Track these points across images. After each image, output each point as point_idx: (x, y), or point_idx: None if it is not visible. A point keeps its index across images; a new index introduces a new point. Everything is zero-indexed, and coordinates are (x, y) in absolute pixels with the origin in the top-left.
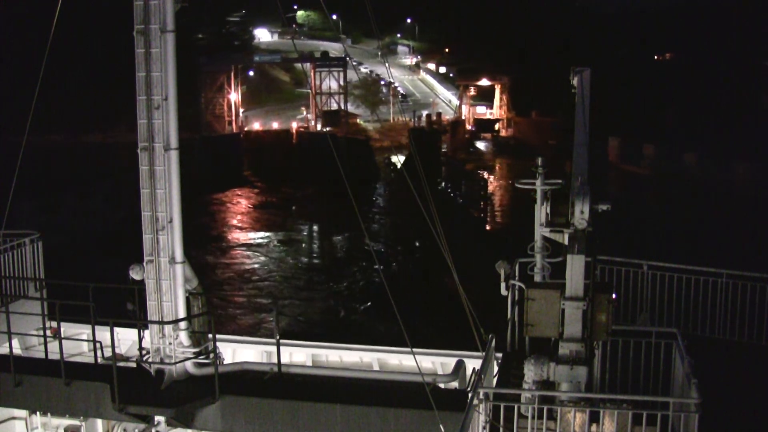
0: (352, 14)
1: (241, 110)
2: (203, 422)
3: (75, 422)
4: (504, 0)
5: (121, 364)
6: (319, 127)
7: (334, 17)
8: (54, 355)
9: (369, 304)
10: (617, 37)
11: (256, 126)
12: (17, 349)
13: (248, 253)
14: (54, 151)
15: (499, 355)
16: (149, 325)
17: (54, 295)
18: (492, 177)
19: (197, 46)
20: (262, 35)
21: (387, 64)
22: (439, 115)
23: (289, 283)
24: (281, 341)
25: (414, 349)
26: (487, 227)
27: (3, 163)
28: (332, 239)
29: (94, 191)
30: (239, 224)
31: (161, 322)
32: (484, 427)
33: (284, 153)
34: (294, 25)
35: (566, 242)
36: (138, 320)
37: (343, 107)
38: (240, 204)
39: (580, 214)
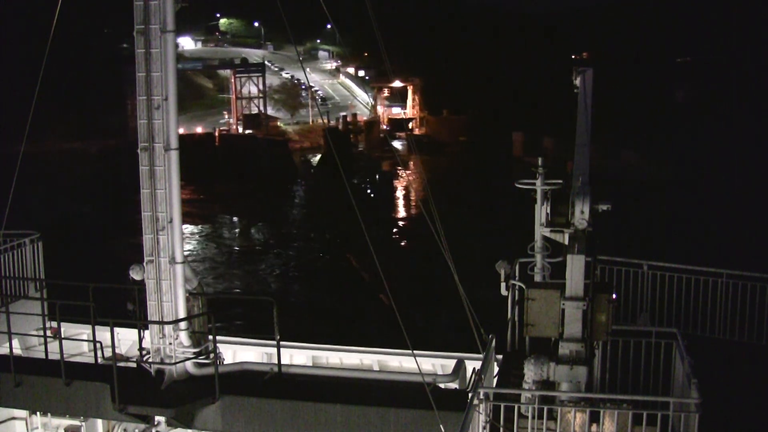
0: (275, 21)
1: None
2: (203, 422)
3: (75, 422)
4: (417, 3)
5: (121, 364)
6: (240, 129)
7: (256, 24)
8: (54, 355)
9: (278, 273)
10: (532, 37)
11: (180, 131)
12: (17, 350)
13: None
14: None
15: (500, 356)
16: (149, 326)
17: (54, 295)
18: (407, 172)
19: (123, 55)
20: (186, 43)
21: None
22: (354, 116)
23: (213, 263)
24: (282, 343)
25: (414, 351)
26: (395, 216)
27: None
28: (252, 229)
29: (28, 195)
30: None
31: (161, 323)
32: (484, 427)
33: (207, 154)
34: (217, 33)
35: (566, 242)
36: (138, 320)
37: (263, 111)
38: None
39: (581, 214)
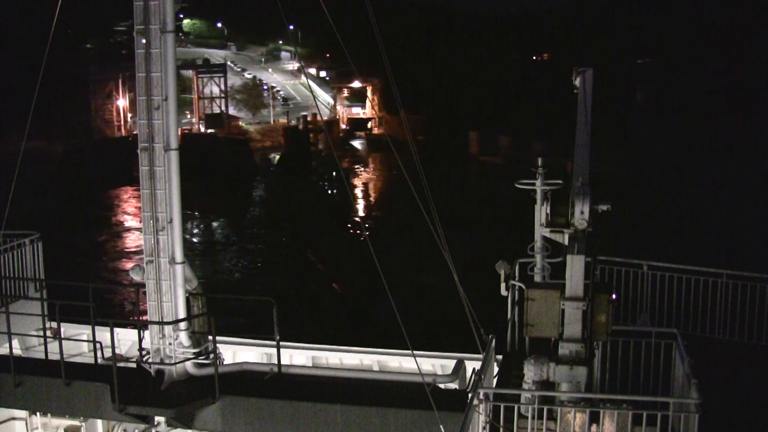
0: (238, 22)
1: (129, 115)
2: (203, 422)
3: (75, 423)
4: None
5: (121, 364)
6: (202, 129)
7: (219, 25)
8: (54, 355)
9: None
10: (492, 37)
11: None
12: (17, 350)
13: (141, 234)
14: None
15: (500, 357)
16: (149, 326)
17: (54, 295)
18: (366, 170)
19: (86, 55)
20: None
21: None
22: (314, 115)
23: None
24: (281, 343)
25: (414, 351)
26: (352, 211)
27: None
28: (211, 224)
29: None
30: (133, 213)
31: (161, 323)
32: (484, 428)
33: None
34: (180, 34)
35: (566, 242)
36: (138, 321)
37: (224, 111)
38: (132, 198)
39: (580, 214)
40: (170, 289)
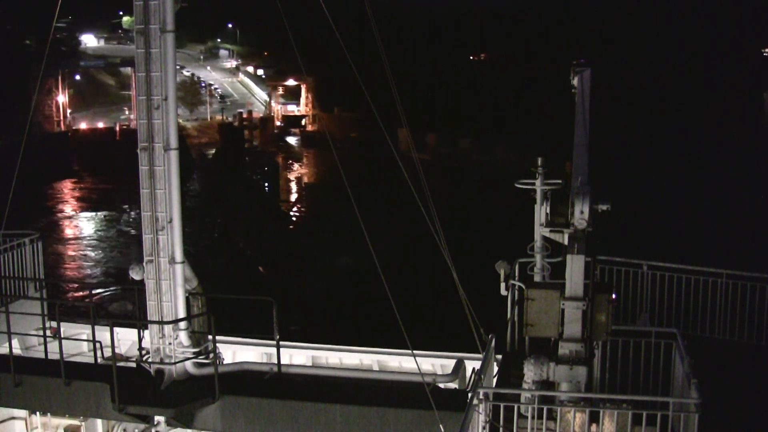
0: (177, 20)
1: (68, 111)
2: (203, 422)
3: (75, 422)
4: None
5: (121, 364)
6: None
7: None
8: (54, 355)
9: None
10: (426, 36)
11: (83, 126)
12: (17, 349)
13: (80, 223)
14: None
15: (499, 357)
16: (149, 325)
17: (54, 295)
18: (299, 166)
19: (26, 51)
20: (89, 41)
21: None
22: (249, 112)
23: (113, 243)
24: (281, 343)
25: (414, 351)
26: (279, 201)
27: None
28: None
29: None
30: (71, 205)
31: (161, 322)
32: (483, 427)
33: (109, 148)
34: (120, 31)
35: (566, 242)
36: (138, 320)
37: None
38: (71, 191)
39: (580, 214)
40: (170, 289)
